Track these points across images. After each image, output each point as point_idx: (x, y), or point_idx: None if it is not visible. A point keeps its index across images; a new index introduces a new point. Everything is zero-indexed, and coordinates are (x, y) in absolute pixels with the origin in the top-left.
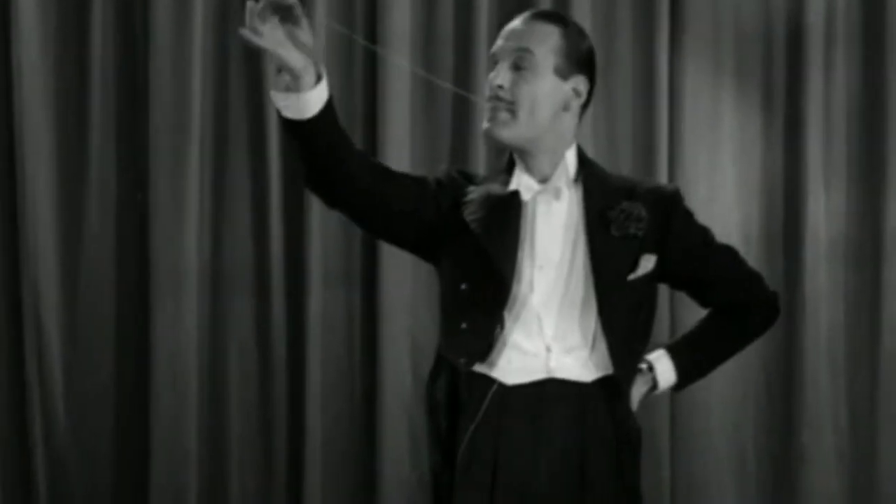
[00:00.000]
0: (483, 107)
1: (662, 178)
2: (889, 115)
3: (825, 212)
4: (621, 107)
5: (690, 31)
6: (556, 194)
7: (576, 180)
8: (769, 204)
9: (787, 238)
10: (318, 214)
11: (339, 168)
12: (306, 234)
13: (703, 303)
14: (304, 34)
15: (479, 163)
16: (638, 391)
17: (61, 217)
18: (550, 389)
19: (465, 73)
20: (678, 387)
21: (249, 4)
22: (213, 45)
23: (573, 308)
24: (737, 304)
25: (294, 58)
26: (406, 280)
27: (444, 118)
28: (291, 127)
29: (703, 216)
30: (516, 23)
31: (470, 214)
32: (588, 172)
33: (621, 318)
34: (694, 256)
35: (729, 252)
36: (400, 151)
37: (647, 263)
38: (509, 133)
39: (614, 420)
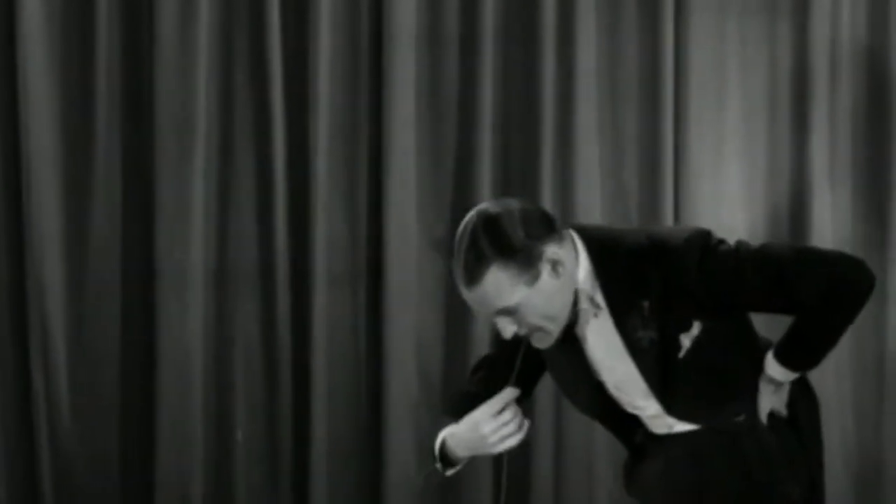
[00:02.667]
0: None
1: (667, 181)
2: (894, 116)
3: (831, 212)
4: (626, 110)
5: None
6: (594, 312)
7: (595, 283)
8: (774, 205)
9: (793, 239)
10: (323, 213)
11: None
12: (311, 233)
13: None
14: None
15: (485, 172)
16: (765, 401)
17: (67, 218)
18: (672, 438)
19: (470, 74)
20: (804, 370)
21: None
22: (218, 49)
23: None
24: (806, 307)
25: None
26: (412, 280)
27: (449, 127)
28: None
29: (706, 219)
30: (466, 294)
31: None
32: (600, 266)
33: (688, 393)
34: (731, 293)
35: (769, 271)
36: (405, 162)
37: (692, 332)
38: (554, 338)
39: (740, 450)
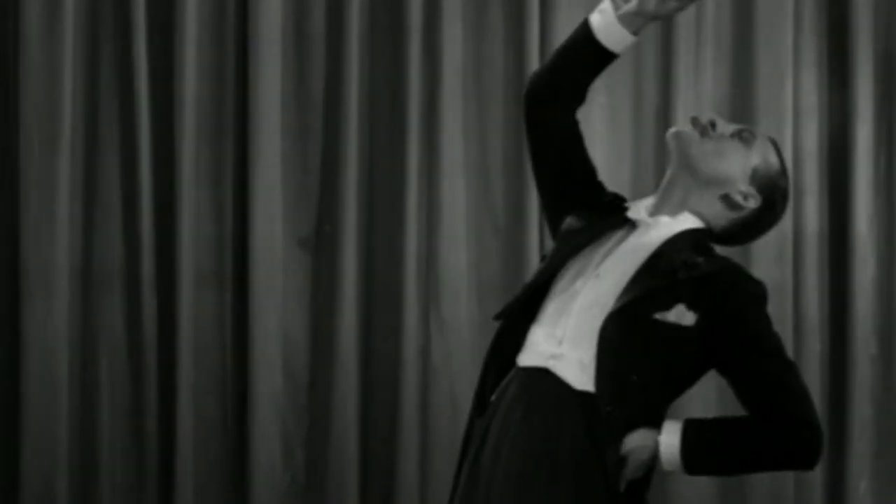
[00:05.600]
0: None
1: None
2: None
3: None
4: (492, 109)
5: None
6: (654, 227)
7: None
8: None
9: None
10: (189, 212)
11: (576, 101)
12: (177, 233)
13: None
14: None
15: (351, 172)
16: (636, 438)
17: None
18: (539, 378)
19: (335, 72)
20: (685, 467)
21: None
22: (84, 47)
23: (601, 320)
24: (763, 420)
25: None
26: (277, 280)
27: (315, 126)
28: (591, 47)
29: None
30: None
31: (585, 205)
32: (691, 239)
33: (625, 343)
34: (733, 346)
35: (778, 367)
36: (271, 160)
37: (683, 316)
38: (688, 146)
39: (590, 438)
